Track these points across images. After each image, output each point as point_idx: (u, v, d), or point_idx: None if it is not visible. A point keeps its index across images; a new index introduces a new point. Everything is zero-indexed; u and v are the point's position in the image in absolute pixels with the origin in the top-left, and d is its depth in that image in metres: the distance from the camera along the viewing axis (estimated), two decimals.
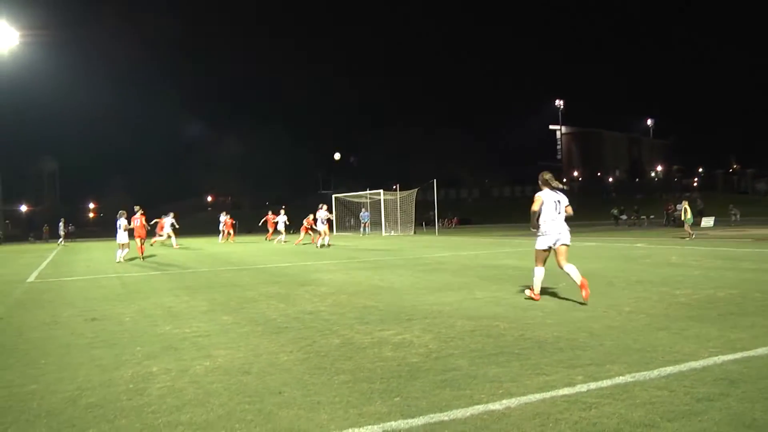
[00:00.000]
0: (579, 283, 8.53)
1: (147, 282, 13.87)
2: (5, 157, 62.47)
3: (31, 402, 4.75)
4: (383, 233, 42.97)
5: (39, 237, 62.87)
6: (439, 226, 42.42)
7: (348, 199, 47.71)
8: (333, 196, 48.71)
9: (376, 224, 45.59)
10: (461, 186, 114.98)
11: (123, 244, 21.17)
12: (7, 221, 75.21)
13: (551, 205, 8.66)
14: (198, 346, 6.52)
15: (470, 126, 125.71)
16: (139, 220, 22.07)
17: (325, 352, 6.10)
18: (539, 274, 8.98)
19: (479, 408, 4.20)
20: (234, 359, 5.89)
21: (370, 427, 3.92)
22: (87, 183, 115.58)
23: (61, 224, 47.60)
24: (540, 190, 8.86)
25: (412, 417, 4.07)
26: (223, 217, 38.03)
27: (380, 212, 44.23)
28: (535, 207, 8.71)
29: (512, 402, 4.30)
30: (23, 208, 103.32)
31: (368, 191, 46.10)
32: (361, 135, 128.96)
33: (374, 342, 6.48)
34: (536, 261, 8.97)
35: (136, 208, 22.18)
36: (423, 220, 46.35)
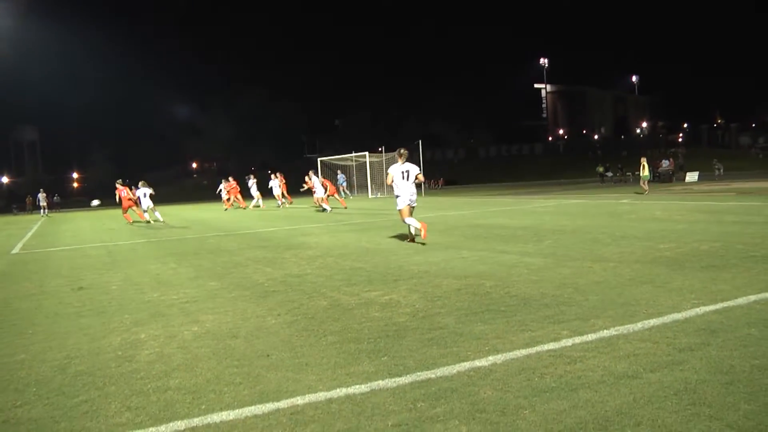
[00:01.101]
0: (420, 226, 11.29)
1: (133, 250, 13.83)
2: None
3: (20, 371, 4.77)
4: (370, 196, 42.94)
5: (22, 209, 62.33)
6: (425, 187, 42.31)
7: (334, 162, 47.47)
8: (318, 159, 48.44)
9: (362, 187, 45.50)
10: (447, 146, 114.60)
11: (150, 209, 23.44)
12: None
13: (399, 175, 11.48)
14: (185, 312, 6.54)
15: (455, 86, 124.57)
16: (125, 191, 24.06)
17: (313, 314, 6.14)
18: (412, 222, 11.62)
19: (465, 365, 4.25)
20: (221, 324, 5.92)
21: (357, 386, 3.96)
22: (70, 153, 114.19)
23: (40, 195, 47.09)
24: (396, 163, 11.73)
25: (400, 375, 4.12)
26: (224, 184, 37.55)
27: (366, 175, 44.11)
28: (388, 179, 11.77)
29: (498, 358, 4.36)
30: (4, 179, 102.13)
31: (353, 154, 45.91)
32: (346, 96, 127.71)
33: (361, 303, 6.52)
34: (402, 215, 11.72)
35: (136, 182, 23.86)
36: None
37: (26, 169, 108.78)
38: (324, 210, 25.50)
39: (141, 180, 24.41)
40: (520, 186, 43.75)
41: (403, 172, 11.46)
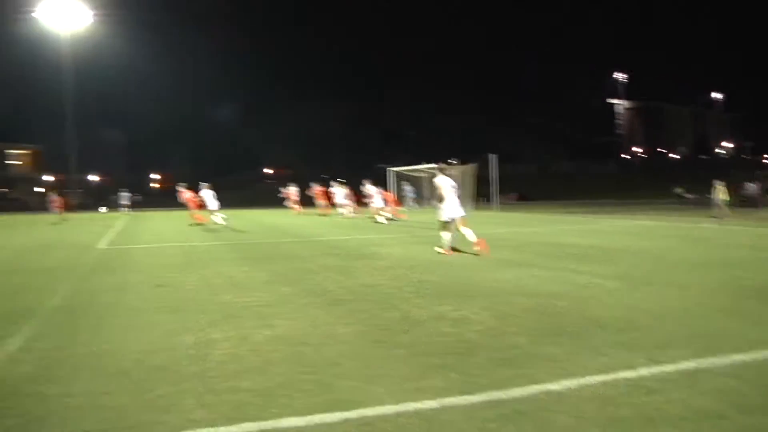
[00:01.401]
0: (476, 240, 12.10)
1: (209, 252, 14.21)
2: (80, 129, 64.40)
3: (105, 359, 5.00)
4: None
5: (108, 206, 64.99)
6: (497, 202, 41.83)
7: (406, 173, 47.47)
8: (390, 170, 48.58)
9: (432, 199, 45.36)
10: (520, 161, 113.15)
11: (215, 211, 23.84)
12: (80, 190, 77.92)
13: (449, 188, 12.40)
14: (258, 316, 6.67)
15: (529, 100, 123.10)
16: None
17: (383, 325, 6.15)
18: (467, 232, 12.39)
19: (537, 388, 4.17)
20: (293, 329, 6.00)
21: (427, 402, 3.94)
22: (153, 155, 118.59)
23: (123, 194, 48.97)
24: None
25: (470, 394, 4.07)
26: (293, 188, 38.14)
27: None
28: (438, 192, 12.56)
29: (571, 383, 4.25)
30: (95, 178, 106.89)
31: (425, 165, 45.83)
32: (420, 107, 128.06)
33: (432, 317, 6.49)
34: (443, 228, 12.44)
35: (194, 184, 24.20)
36: (481, 195, 45.84)
37: (114, 169, 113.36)
38: (378, 221, 25.05)
39: (205, 183, 25.08)
40: (593, 204, 42.69)
41: (452, 186, 12.48)
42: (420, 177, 46.40)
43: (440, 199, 12.50)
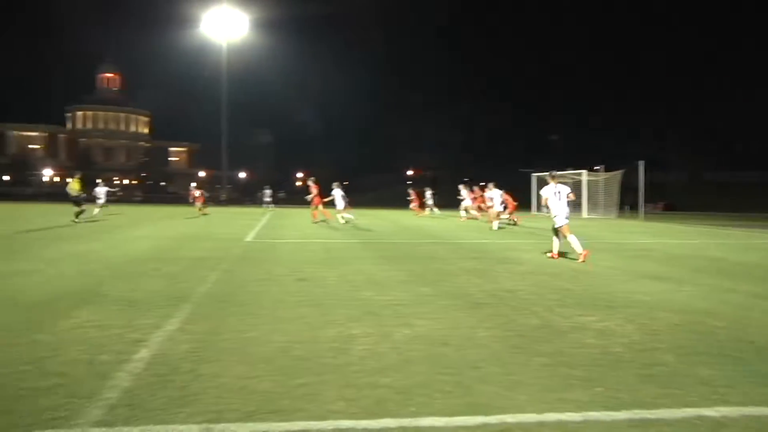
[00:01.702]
0: (581, 251, 12.31)
1: (348, 249, 14.56)
2: (231, 128, 68.58)
3: (251, 347, 5.24)
4: (584, 215, 41.38)
5: (254, 201, 68.43)
6: (643, 210, 39.77)
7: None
8: (533, 175, 47.59)
9: (576, 206, 43.98)
10: (668, 169, 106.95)
11: (341, 210, 24.42)
12: (229, 186, 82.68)
13: (553, 195, 12.66)
14: (398, 314, 6.73)
15: (680, 102, 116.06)
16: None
17: (524, 331, 6.02)
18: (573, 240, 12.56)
19: (690, 411, 3.90)
20: (433, 330, 6.00)
21: (570, 414, 3.81)
22: (298, 154, 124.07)
23: (266, 191, 51.22)
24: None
25: (615, 410, 3.89)
26: (428, 192, 38.57)
27: (581, 193, 42.55)
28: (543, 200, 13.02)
29: (730, 411, 3.93)
30: (243, 174, 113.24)
31: (569, 171, 44.49)
32: (564, 111, 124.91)
33: (574, 327, 6.27)
34: (564, 232, 12.69)
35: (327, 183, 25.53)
36: (626, 203, 43.74)
37: (261, 167, 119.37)
38: (493, 228, 23.19)
39: (335, 181, 25.59)
40: (752, 218, 39.51)
41: (555, 193, 12.68)
42: (564, 183, 45.09)
43: (548, 207, 13.01)
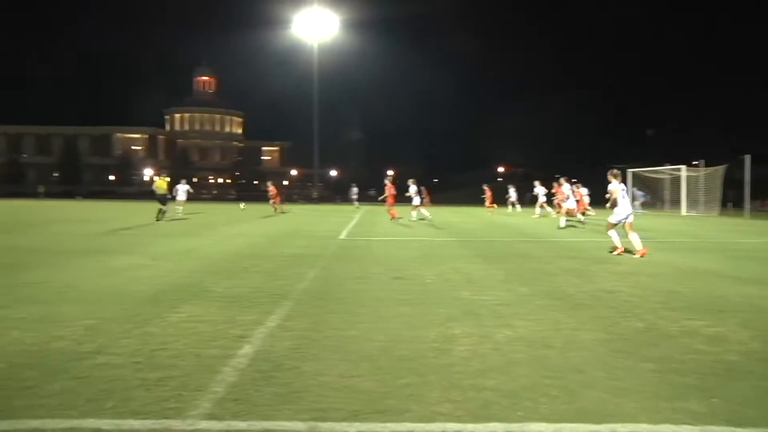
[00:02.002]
0: (640, 248, 12.47)
1: (444, 247, 14.49)
2: (322, 127, 69.71)
3: (353, 345, 5.26)
4: (683, 213, 39.63)
5: (345, 199, 69.32)
6: (748, 208, 37.57)
7: (645, 174, 44.58)
8: (629, 171, 45.93)
9: (675, 202, 42.19)
10: None
11: (416, 206, 24.30)
12: (320, 184, 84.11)
13: (621, 193, 12.75)
14: (497, 314, 6.61)
15: None
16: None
17: (628, 335, 5.78)
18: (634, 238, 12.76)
19: None
20: (534, 331, 5.85)
21: (686, 426, 3.59)
22: (389, 151, 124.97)
23: (353, 189, 51.69)
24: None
25: (738, 426, 3.62)
26: (512, 190, 38.09)
27: (679, 190, 40.75)
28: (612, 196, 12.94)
29: None
30: (334, 172, 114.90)
31: (668, 167, 42.70)
32: (660, 104, 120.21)
33: (683, 331, 5.96)
34: (609, 227, 13.12)
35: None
36: (730, 200, 41.50)
37: (351, 165, 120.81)
38: (561, 226, 21.74)
39: (411, 178, 25.35)
40: None
41: (622, 191, 12.89)
42: (662, 179, 43.41)
43: (613, 204, 13.00)
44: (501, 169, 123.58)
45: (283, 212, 32.23)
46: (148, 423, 3.53)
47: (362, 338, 5.49)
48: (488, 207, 37.52)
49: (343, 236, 17.35)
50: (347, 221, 25.82)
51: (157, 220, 22.51)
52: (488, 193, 37.69)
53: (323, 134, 74.04)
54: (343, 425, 3.55)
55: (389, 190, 25.35)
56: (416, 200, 24.62)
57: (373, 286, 8.46)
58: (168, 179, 24.71)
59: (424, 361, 4.81)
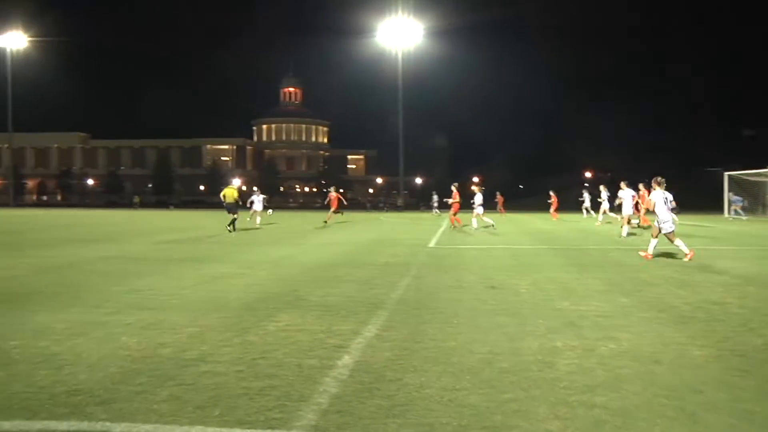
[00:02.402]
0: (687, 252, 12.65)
1: (536, 255, 14.20)
2: (406, 134, 69.94)
3: (453, 357, 5.18)
4: None
5: (428, 207, 69.14)
6: None
7: (744, 177, 42.30)
8: (726, 174, 43.77)
9: None
10: None
11: (479, 214, 23.98)
12: (405, 191, 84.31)
13: (662, 201, 12.79)
14: (599, 327, 6.38)
15: None
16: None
17: (743, 351, 5.45)
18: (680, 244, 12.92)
19: None
20: (640, 345, 5.61)
21: None
22: (474, 158, 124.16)
23: (434, 196, 51.40)
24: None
25: None
26: (587, 195, 36.92)
27: None
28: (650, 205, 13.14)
29: None
30: (419, 180, 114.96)
31: None
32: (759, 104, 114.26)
33: None
34: (673, 237, 13.02)
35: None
36: None
37: (436, 172, 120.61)
38: (623, 236, 19.94)
39: (476, 185, 24.78)
40: None
41: (664, 199, 12.79)
42: (763, 182, 41.16)
43: (654, 212, 13.14)
44: (588, 174, 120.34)
45: (332, 222, 29.19)
46: None
47: (462, 350, 5.42)
48: (553, 214, 36.67)
49: (432, 244, 17.27)
50: (435, 229, 25.72)
51: (229, 231, 21.28)
52: (554, 200, 36.78)
53: (408, 142, 74.28)
54: None
55: (456, 197, 25.06)
56: (479, 209, 24.14)
57: (468, 295, 8.36)
58: (236, 188, 23.35)
59: (527, 374, 4.68)
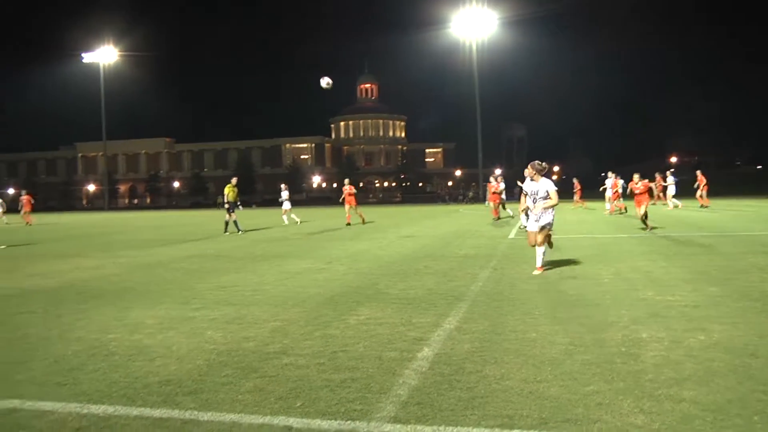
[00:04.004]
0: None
1: (618, 244, 13.83)
2: (484, 126, 69.06)
3: (533, 349, 5.11)
4: None
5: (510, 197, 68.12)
6: None
7: None
8: None
9: None
10: None
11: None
12: (484, 183, 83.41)
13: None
14: (687, 317, 6.14)
15: None
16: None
17: None
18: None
19: None
20: (733, 337, 5.35)
21: None
22: (552, 146, 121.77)
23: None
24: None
25: None
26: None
27: None
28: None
29: None
30: (498, 171, 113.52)
31: None
32: None
33: None
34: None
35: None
36: None
37: (514, 162, 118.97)
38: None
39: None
40: None
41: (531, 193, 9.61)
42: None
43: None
44: (674, 159, 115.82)
45: (357, 218, 24.90)
46: (335, 424, 3.63)
47: (543, 341, 5.33)
48: (576, 202, 35.50)
49: (512, 236, 17.03)
50: (515, 220, 25.35)
51: (231, 233, 20.58)
52: (577, 188, 35.49)
53: (486, 133, 73.33)
54: None
55: (495, 188, 24.58)
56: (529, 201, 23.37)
57: (548, 286, 8.22)
58: (234, 186, 21.73)
59: (611, 366, 4.55)
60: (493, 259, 11.47)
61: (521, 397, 3.96)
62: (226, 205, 21.44)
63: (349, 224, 23.55)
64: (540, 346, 5.18)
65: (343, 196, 23.87)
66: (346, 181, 24.40)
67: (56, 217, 47.81)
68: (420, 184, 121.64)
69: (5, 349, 5.58)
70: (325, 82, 18.58)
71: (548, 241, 9.71)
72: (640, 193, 16.93)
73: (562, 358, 4.80)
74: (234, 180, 22.09)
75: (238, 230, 21.03)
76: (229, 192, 21.48)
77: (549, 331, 5.70)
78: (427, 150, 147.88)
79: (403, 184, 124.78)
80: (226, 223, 21.31)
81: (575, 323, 5.98)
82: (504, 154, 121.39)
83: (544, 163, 9.58)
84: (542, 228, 9.38)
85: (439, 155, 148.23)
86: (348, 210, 23.66)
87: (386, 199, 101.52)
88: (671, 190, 30.35)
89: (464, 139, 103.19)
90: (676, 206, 29.13)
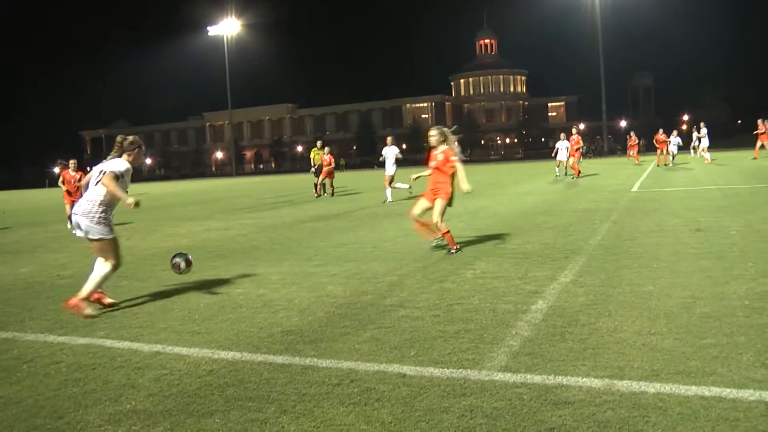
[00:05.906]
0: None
1: (752, 195, 13.06)
2: (608, 76, 66.10)
3: (649, 302, 5.03)
4: None
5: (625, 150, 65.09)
6: None
7: None
8: None
9: None
10: None
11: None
12: (609, 136, 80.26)
13: None
14: None
15: None
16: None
17: None
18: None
19: None
20: None
21: None
22: (682, 95, 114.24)
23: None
24: None
25: None
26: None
27: None
28: None
29: None
30: (622, 123, 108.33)
31: None
32: None
33: None
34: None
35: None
36: None
37: (641, 113, 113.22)
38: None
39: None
40: None
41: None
42: None
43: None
44: None
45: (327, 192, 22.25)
46: (447, 372, 3.77)
47: (660, 294, 5.23)
48: (629, 156, 33.52)
49: (635, 189, 16.45)
50: (640, 173, 24.39)
51: (317, 196, 20.70)
52: (632, 140, 32.96)
53: (610, 84, 70.25)
54: (642, 384, 3.39)
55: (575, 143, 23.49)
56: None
57: (670, 239, 7.95)
58: (319, 149, 21.49)
59: (731, 320, 4.41)
60: (613, 213, 11.19)
61: (633, 349, 3.94)
62: (313, 169, 21.82)
63: (318, 195, 21.59)
64: (656, 299, 5.09)
65: (317, 166, 21.76)
66: (326, 149, 21.61)
67: (187, 184, 50.78)
68: (543, 140, 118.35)
69: (149, 302, 6.16)
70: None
71: None
72: None
73: (679, 311, 4.70)
74: (319, 143, 22.11)
75: (324, 193, 21.35)
76: (314, 155, 21.74)
77: (667, 284, 5.57)
78: (549, 104, 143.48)
79: (525, 140, 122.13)
80: (315, 186, 21.65)
81: (696, 276, 5.80)
82: (630, 104, 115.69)
83: None
84: None
85: (561, 109, 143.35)
86: (321, 180, 21.53)
87: (508, 155, 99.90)
88: (704, 142, 29.05)
89: (587, 91, 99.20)
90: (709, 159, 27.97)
